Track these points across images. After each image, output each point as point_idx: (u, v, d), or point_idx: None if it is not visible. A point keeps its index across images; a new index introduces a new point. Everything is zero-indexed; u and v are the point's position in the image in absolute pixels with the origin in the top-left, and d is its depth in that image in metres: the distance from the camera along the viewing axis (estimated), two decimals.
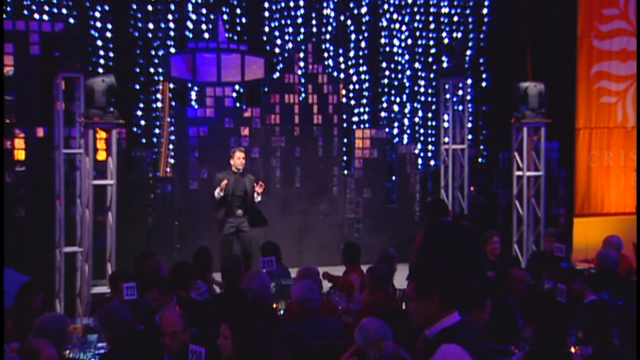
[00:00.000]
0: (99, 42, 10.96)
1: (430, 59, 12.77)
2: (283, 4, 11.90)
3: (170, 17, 11.41)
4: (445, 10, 12.52)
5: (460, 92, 11.32)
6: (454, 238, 5.72)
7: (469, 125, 11.81)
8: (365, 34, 12.40)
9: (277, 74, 11.61)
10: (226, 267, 6.06)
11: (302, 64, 11.15)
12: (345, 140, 11.72)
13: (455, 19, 12.58)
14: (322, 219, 11.33)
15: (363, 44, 12.54)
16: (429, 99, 12.87)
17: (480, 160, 12.46)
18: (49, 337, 4.15)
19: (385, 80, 12.67)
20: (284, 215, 10.94)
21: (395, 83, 12.75)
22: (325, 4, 12.08)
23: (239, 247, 8.63)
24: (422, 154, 12.74)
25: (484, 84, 12.71)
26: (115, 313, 4.61)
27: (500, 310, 4.82)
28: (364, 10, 12.31)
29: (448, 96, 11.28)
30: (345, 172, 11.58)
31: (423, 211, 11.35)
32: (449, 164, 11.29)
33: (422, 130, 12.90)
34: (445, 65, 12.23)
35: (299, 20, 11.97)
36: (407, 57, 12.74)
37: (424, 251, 5.67)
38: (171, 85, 11.70)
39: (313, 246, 11.19)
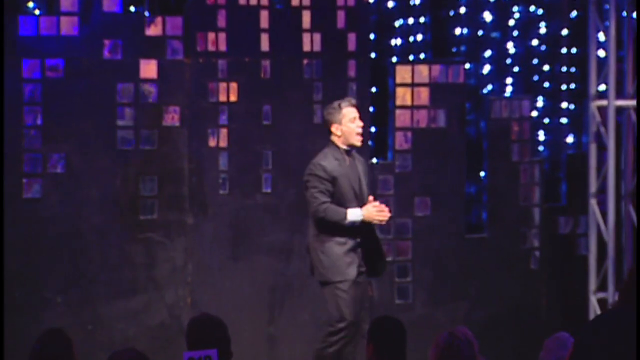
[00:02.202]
0: None
1: None
2: None
3: None
4: None
5: None
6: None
7: None
8: None
9: None
10: None
11: None
12: (373, 90, 11.81)
13: None
14: None
15: None
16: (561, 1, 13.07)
17: None
18: None
19: None
20: (235, 259, 11.17)
21: None
22: None
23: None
24: (546, 121, 12.71)
25: None
26: None
27: None
28: None
29: None
30: (375, 160, 11.76)
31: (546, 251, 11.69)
32: (608, 141, 11.34)
33: (545, 68, 12.89)
34: None
35: None
36: None
37: None
38: None
39: (300, 325, 11.14)
